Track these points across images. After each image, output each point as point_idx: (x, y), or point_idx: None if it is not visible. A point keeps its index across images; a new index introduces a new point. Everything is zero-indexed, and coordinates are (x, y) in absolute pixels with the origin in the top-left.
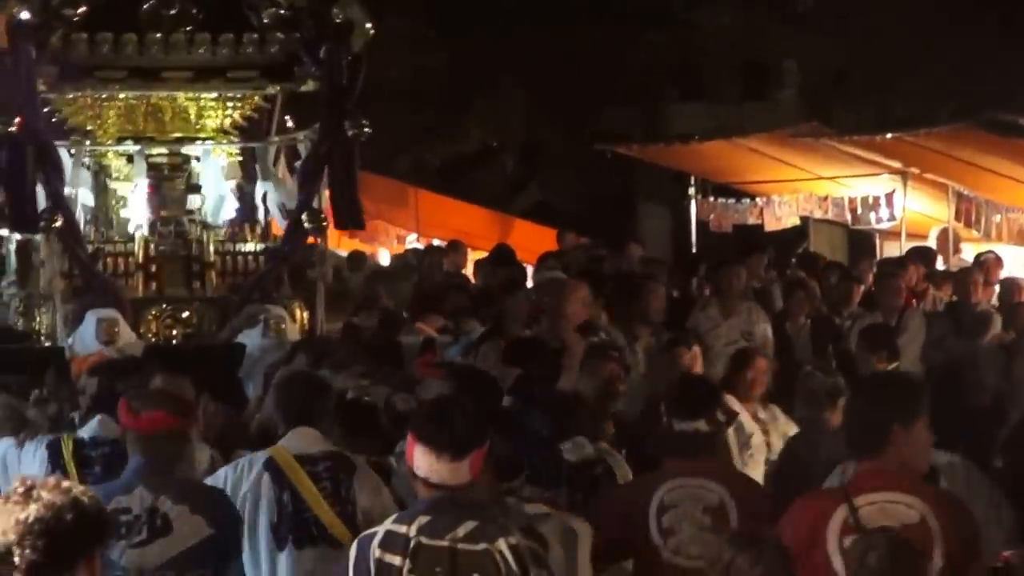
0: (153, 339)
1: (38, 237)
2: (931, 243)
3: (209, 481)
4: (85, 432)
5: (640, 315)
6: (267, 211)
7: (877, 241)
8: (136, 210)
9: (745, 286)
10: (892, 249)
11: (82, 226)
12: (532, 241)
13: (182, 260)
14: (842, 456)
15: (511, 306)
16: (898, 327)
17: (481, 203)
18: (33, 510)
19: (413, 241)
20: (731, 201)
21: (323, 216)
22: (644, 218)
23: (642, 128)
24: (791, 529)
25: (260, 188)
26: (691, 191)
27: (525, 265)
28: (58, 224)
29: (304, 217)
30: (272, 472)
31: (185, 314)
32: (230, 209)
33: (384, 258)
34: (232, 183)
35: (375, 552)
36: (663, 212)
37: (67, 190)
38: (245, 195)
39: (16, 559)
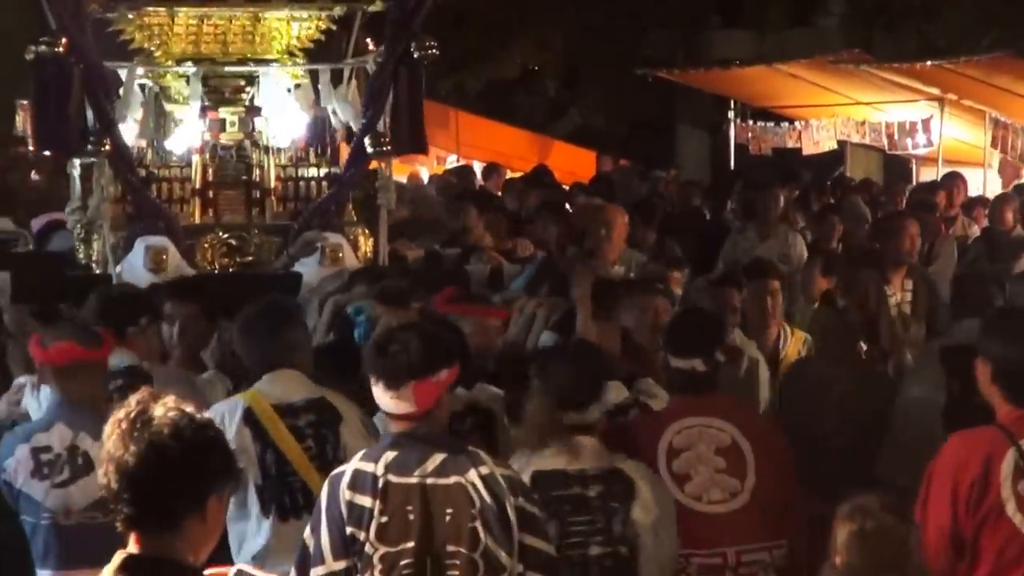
0: (209, 268)
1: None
2: (994, 170)
3: None
4: None
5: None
6: (331, 135)
7: (913, 166)
8: (194, 134)
9: (782, 210)
10: (928, 175)
11: (135, 150)
12: (571, 164)
13: (242, 186)
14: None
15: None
16: (930, 253)
17: (521, 126)
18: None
19: (453, 162)
20: (770, 124)
21: (386, 140)
22: (683, 141)
23: (683, 54)
24: (956, 474)
25: (324, 111)
26: (730, 115)
27: (563, 186)
28: (107, 148)
29: (367, 141)
30: (252, 426)
31: (243, 242)
32: (293, 133)
33: (424, 177)
34: (296, 106)
35: (345, 494)
36: (702, 136)
37: (121, 113)
38: (309, 119)
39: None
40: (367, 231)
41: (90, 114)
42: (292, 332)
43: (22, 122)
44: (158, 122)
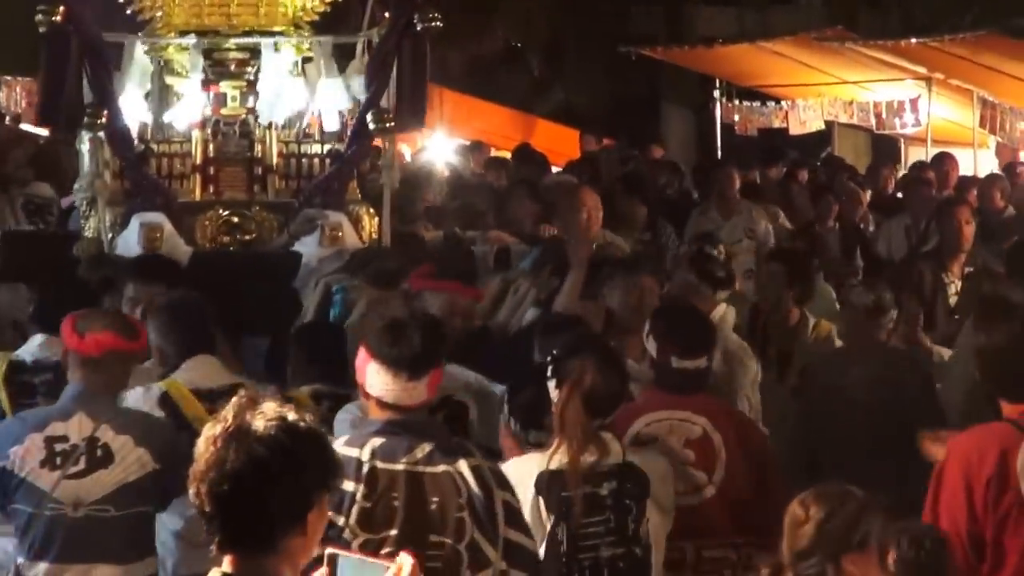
0: (208, 246)
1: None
2: (991, 152)
3: None
4: (26, 353)
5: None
6: (341, 111)
7: (902, 146)
8: (195, 108)
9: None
10: (917, 155)
11: (134, 124)
12: (555, 142)
13: (244, 162)
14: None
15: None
16: (926, 232)
17: (505, 104)
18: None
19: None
20: (756, 104)
21: (390, 116)
22: (668, 120)
23: (667, 30)
24: (970, 473)
25: (327, 86)
26: (716, 94)
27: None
28: (103, 121)
29: (370, 117)
30: (168, 410)
31: (244, 220)
32: (297, 108)
33: (406, 156)
34: (301, 80)
35: None
36: (688, 115)
37: (120, 86)
38: (315, 93)
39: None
40: (371, 210)
41: (87, 87)
42: (208, 320)
43: (4, 97)
44: (159, 96)
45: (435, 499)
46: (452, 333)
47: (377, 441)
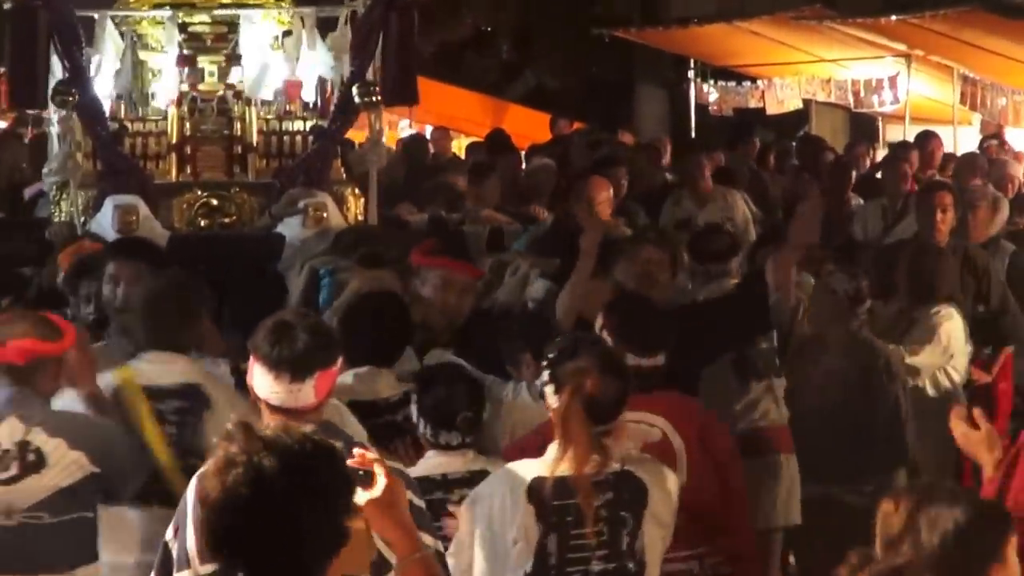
0: (185, 229)
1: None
2: (974, 130)
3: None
4: None
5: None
6: (321, 87)
7: (880, 125)
8: (171, 85)
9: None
10: (895, 133)
11: (107, 102)
12: (526, 127)
13: (223, 141)
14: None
15: None
16: (902, 212)
17: (475, 89)
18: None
19: (406, 128)
20: (731, 84)
21: (376, 90)
22: (642, 102)
23: (641, 12)
24: None
25: (308, 60)
26: (691, 75)
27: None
28: (74, 99)
29: (355, 91)
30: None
31: (224, 201)
32: (277, 84)
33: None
34: (280, 54)
35: None
36: (661, 96)
37: (91, 62)
38: (295, 67)
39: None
40: (356, 190)
41: (56, 63)
42: (181, 313)
43: None
44: (132, 72)
45: None
46: (448, 312)
47: None
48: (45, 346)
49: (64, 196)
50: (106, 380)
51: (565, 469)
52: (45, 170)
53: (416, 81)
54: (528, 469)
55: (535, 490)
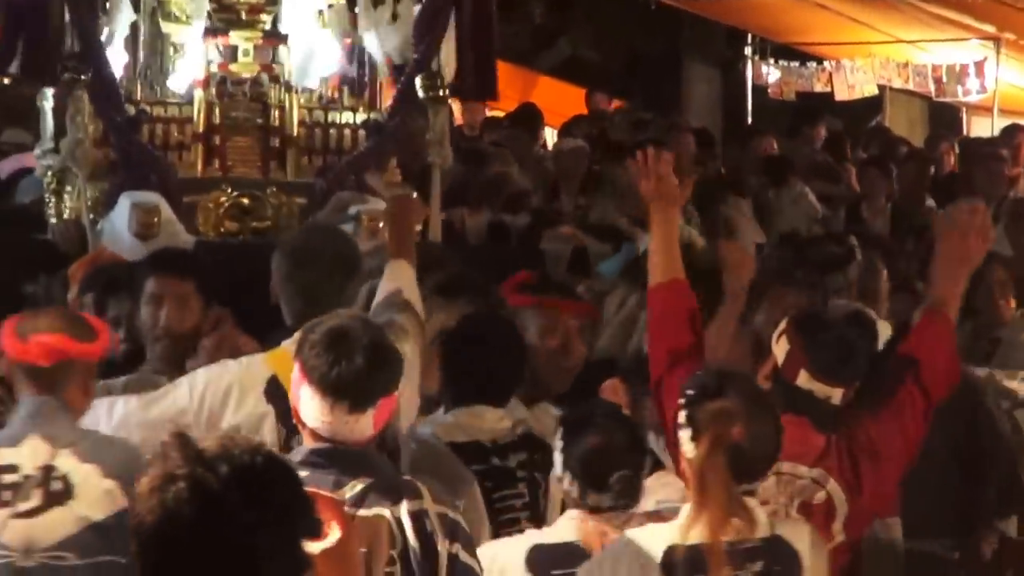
0: (212, 234)
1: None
2: None
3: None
4: None
5: None
6: (371, 71)
7: (964, 116)
8: (198, 63)
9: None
10: (981, 126)
11: (123, 81)
12: (559, 102)
13: (257, 131)
14: None
15: None
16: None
17: (504, 58)
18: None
19: None
20: (795, 64)
21: (442, 81)
22: (690, 81)
23: None
24: None
25: (364, 40)
26: (747, 51)
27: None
28: (86, 77)
29: (419, 82)
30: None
31: (257, 203)
32: (325, 67)
33: None
34: (330, 32)
35: None
36: (713, 75)
37: (107, 32)
38: (347, 49)
39: None
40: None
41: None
42: None
43: None
44: (153, 47)
45: (361, 549)
46: (554, 360)
47: (302, 474)
48: (76, 346)
49: (67, 188)
50: (254, 366)
51: (698, 536)
52: (37, 151)
53: (496, 71)
54: (656, 537)
55: (673, 560)
